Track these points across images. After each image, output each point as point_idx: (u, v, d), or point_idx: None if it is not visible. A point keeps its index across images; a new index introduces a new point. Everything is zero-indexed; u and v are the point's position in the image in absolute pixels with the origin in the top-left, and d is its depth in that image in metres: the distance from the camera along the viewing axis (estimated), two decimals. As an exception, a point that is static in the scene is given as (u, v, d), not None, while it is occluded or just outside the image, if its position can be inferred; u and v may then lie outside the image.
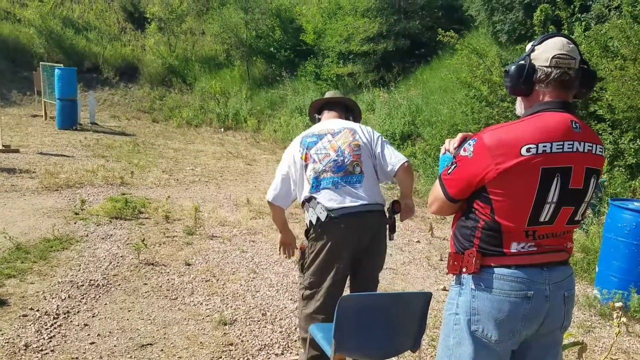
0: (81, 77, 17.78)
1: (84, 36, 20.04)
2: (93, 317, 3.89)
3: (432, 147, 9.44)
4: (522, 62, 1.85)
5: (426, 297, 2.63)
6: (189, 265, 4.97)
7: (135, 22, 21.53)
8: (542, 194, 1.76)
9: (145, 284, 4.53)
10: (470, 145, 1.83)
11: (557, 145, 1.74)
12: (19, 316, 3.77)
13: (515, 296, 1.80)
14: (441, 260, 5.59)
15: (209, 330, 3.78)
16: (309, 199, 2.85)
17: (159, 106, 17.06)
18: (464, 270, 1.87)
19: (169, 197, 7.35)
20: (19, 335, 3.50)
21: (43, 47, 18.52)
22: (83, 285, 4.41)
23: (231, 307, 4.16)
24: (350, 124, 3.05)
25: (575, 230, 2.05)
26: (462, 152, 1.86)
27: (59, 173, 8.33)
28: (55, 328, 3.66)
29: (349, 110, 3.26)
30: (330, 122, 3.08)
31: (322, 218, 2.74)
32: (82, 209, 6.50)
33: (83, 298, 4.18)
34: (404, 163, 2.89)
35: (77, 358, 3.33)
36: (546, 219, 1.80)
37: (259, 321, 3.95)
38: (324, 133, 2.96)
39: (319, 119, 3.22)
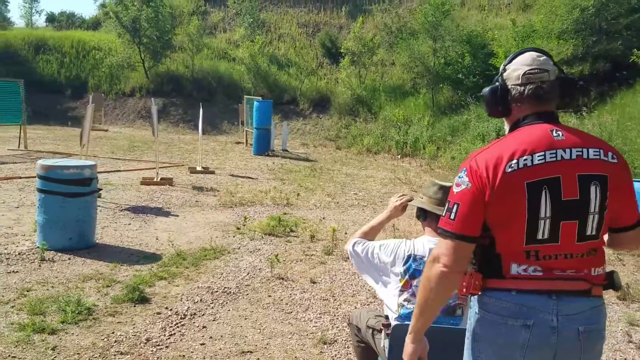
0: (280, 109, 19.73)
1: (286, 72, 22.17)
2: (213, 320, 4.21)
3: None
4: (496, 83, 1.82)
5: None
6: (314, 283, 5.08)
7: (331, 57, 23.11)
8: (533, 209, 1.64)
9: (270, 296, 4.75)
10: (461, 177, 1.72)
11: (539, 156, 1.65)
12: (154, 313, 4.26)
13: (513, 323, 1.66)
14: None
15: (307, 347, 3.80)
16: (389, 325, 2.54)
17: (344, 134, 17.93)
18: (464, 290, 1.76)
19: (323, 218, 7.65)
20: (146, 330, 3.96)
21: (251, 82, 20.98)
22: (217, 291, 4.81)
23: (337, 327, 4.13)
24: None
25: (599, 252, 1.75)
26: (456, 189, 1.72)
27: (237, 192, 9.26)
28: (177, 327, 4.05)
29: None
30: None
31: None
32: (243, 225, 7.12)
33: (212, 303, 4.55)
34: None
35: (183, 356, 3.63)
36: (545, 237, 1.65)
37: (357, 345, 3.84)
38: None
39: (423, 222, 2.74)
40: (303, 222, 7.31)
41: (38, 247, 5.47)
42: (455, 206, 1.68)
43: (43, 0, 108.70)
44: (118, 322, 4.05)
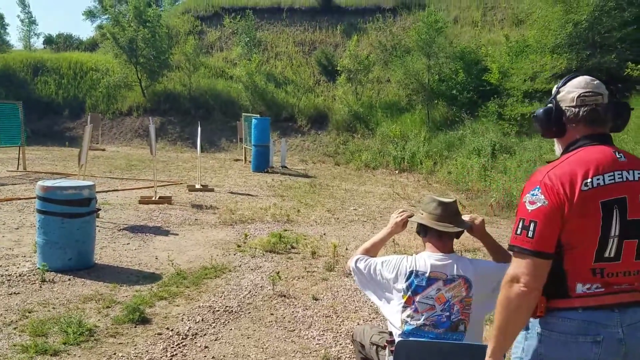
0: (278, 126, 19.81)
1: (283, 89, 22.30)
2: (215, 340, 4.18)
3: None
4: (550, 105, 1.88)
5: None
6: (316, 299, 5.07)
7: (328, 75, 23.28)
8: (605, 228, 1.71)
9: (272, 314, 4.73)
10: (535, 195, 1.73)
11: (609, 176, 1.71)
12: (155, 334, 4.23)
13: (584, 340, 1.72)
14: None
15: (311, 365, 3.78)
16: (393, 341, 2.53)
17: (343, 150, 18.00)
18: None
19: (324, 234, 7.64)
20: (147, 351, 3.93)
21: (248, 100, 21.09)
22: (219, 310, 4.78)
23: (341, 344, 4.11)
24: (467, 269, 2.54)
25: None
26: (530, 206, 1.73)
27: (237, 210, 9.26)
28: (179, 347, 4.02)
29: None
30: (442, 262, 2.57)
31: None
32: (244, 242, 7.11)
33: (214, 322, 4.53)
34: None
35: (187, 375, 3.61)
36: (611, 255, 1.72)
37: (361, 362, 3.82)
38: (435, 278, 2.55)
39: (424, 238, 2.71)
40: (304, 239, 7.31)
41: (39, 268, 5.45)
42: (532, 224, 1.71)
43: (41, 23, 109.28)
44: (119, 343, 4.03)
